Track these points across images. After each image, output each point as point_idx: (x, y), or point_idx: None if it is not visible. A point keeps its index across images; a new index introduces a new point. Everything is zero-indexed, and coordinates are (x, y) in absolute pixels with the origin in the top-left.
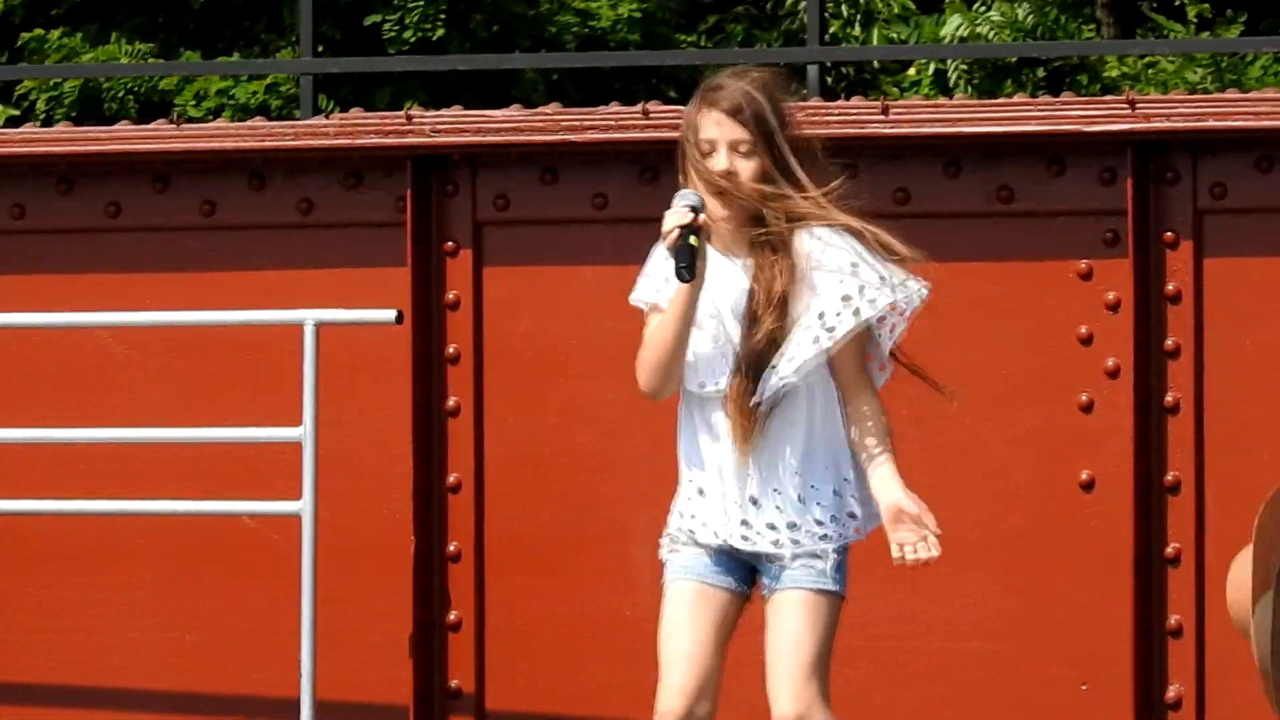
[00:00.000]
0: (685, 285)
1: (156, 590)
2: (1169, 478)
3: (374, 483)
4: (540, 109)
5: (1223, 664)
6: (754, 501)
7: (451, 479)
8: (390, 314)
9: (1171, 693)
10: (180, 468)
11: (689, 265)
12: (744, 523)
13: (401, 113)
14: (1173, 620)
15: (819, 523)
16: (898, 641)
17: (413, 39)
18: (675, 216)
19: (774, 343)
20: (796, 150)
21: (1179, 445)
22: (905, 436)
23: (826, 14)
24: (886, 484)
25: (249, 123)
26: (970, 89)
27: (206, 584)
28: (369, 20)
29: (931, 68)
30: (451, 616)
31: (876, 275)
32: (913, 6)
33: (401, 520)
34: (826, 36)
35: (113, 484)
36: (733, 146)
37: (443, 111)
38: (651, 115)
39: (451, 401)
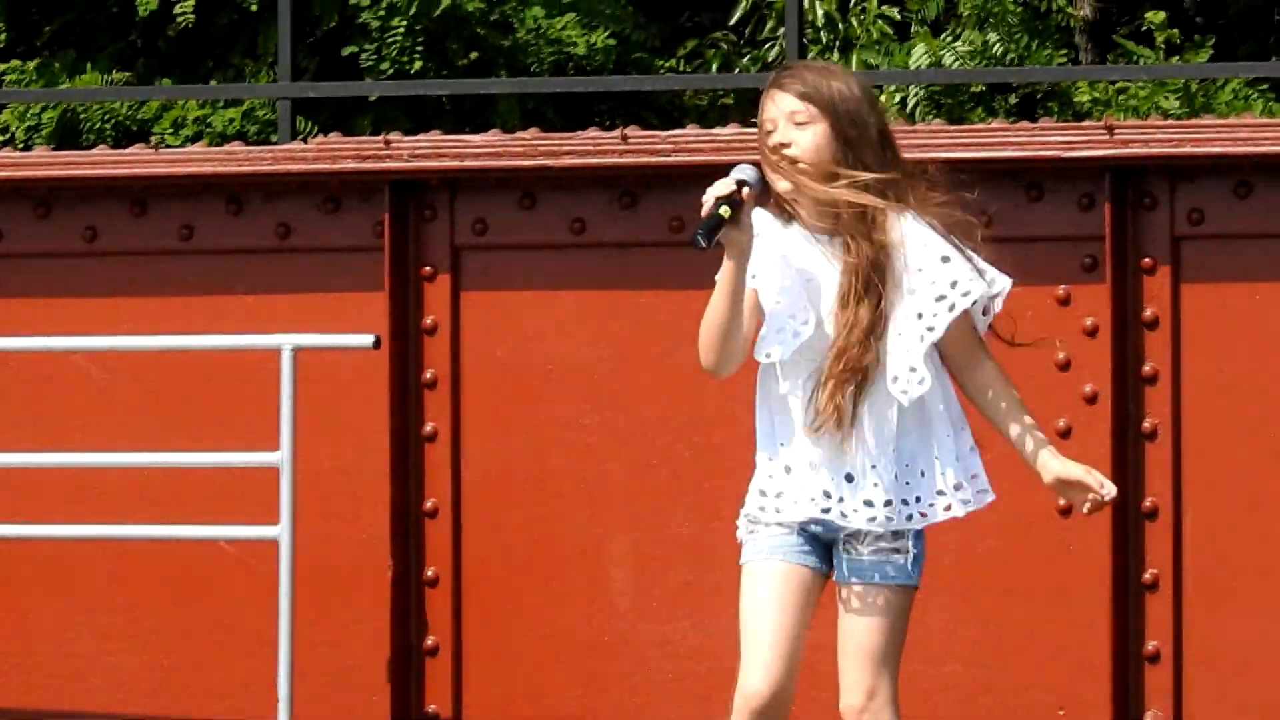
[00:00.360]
0: (729, 262)
1: (134, 615)
2: (1147, 503)
3: (351, 507)
4: (518, 134)
5: (1201, 690)
6: (849, 479)
7: (429, 504)
8: (368, 339)
9: (1149, 718)
10: (158, 492)
11: (706, 233)
12: (841, 499)
13: (379, 137)
14: (1150, 646)
15: (905, 502)
16: None
17: (390, 70)
18: (718, 186)
19: (870, 328)
20: (871, 134)
21: (1157, 471)
22: None
23: (806, 39)
24: (1045, 461)
25: (227, 147)
26: (934, 116)
27: (184, 608)
28: (346, 50)
29: (898, 96)
30: (429, 641)
31: (968, 267)
32: (890, 32)
33: (379, 545)
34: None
35: (91, 508)
36: (790, 118)
37: (420, 136)
38: (630, 140)
39: (429, 426)
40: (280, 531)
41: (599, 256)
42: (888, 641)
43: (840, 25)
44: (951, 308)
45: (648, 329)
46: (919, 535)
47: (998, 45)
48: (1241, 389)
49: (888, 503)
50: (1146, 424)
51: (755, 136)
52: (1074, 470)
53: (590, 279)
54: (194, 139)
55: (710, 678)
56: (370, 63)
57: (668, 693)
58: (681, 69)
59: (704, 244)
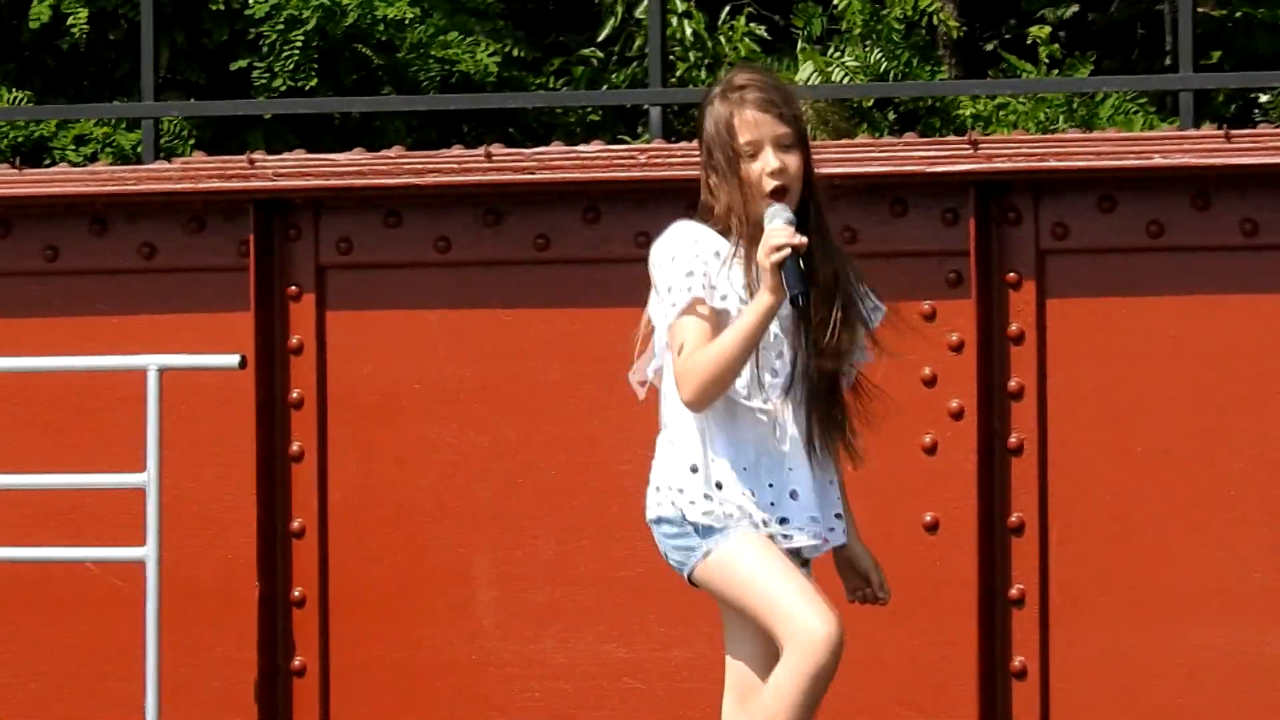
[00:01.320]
0: (768, 303)
1: (1, 636)
2: (1013, 519)
3: (218, 528)
4: (383, 152)
5: (1067, 705)
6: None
7: (295, 524)
8: (234, 359)
9: None
10: (24, 514)
11: (803, 291)
12: (815, 519)
13: (244, 156)
14: (1017, 661)
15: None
16: None
17: (283, 87)
18: (780, 235)
19: (839, 354)
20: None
21: (1023, 486)
22: None
23: (674, 57)
24: (849, 536)
25: (91, 167)
26: (822, 133)
27: (51, 630)
28: (235, 65)
29: None
30: (296, 662)
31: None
32: (758, 49)
33: (246, 565)
34: (673, 79)
35: None
36: (777, 143)
37: (285, 155)
38: (494, 158)
39: (295, 446)
40: (147, 552)
41: (464, 275)
42: None
43: (709, 43)
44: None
45: (513, 348)
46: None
47: (882, 62)
48: (1107, 403)
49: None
50: (1012, 439)
51: (619, 153)
52: (865, 561)
53: (455, 298)
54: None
55: (577, 696)
56: (263, 80)
57: (534, 711)
58: (551, 85)
59: (805, 301)
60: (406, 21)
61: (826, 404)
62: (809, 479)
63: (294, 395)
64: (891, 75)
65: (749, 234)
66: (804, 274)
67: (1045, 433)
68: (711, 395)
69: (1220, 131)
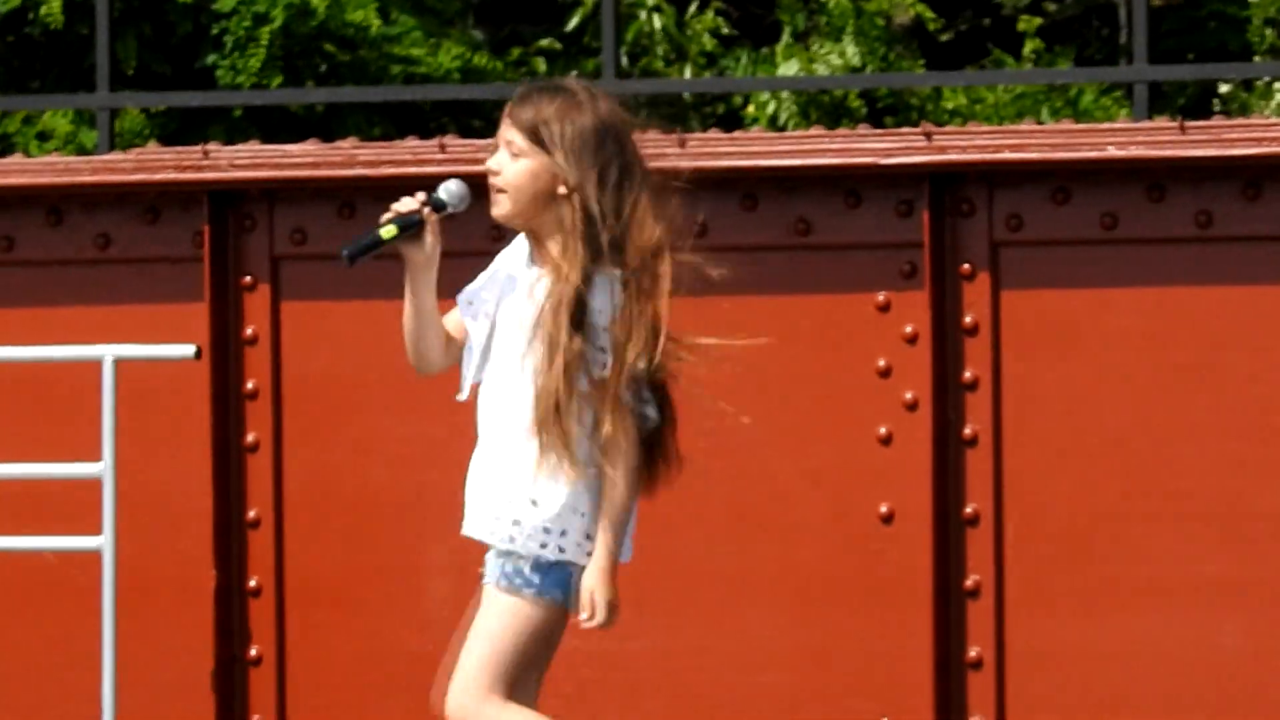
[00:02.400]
0: (408, 278)
1: None
2: (968, 510)
3: (174, 518)
4: (337, 144)
5: (1023, 696)
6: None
7: (251, 514)
8: (189, 349)
9: None
10: None
11: (353, 251)
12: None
13: (198, 147)
14: (972, 652)
15: None
16: (692, 675)
17: (248, 84)
18: (403, 202)
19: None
20: (596, 173)
21: (977, 478)
22: (702, 469)
23: (642, 50)
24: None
25: (46, 158)
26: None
27: (6, 620)
28: (202, 62)
29: (770, 108)
30: (252, 652)
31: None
32: (715, 43)
33: (202, 555)
34: (637, 71)
35: None
36: (506, 145)
37: (239, 146)
38: (448, 149)
39: (250, 437)
40: (103, 542)
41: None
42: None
43: (676, 37)
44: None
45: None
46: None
47: (856, 57)
48: (1061, 395)
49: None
50: (967, 431)
51: None
52: (585, 582)
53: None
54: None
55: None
56: (228, 78)
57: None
58: (509, 76)
59: (348, 261)
60: (372, 30)
61: None
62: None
63: (249, 386)
64: (869, 71)
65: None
66: (372, 244)
67: (1000, 424)
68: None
69: (1175, 123)
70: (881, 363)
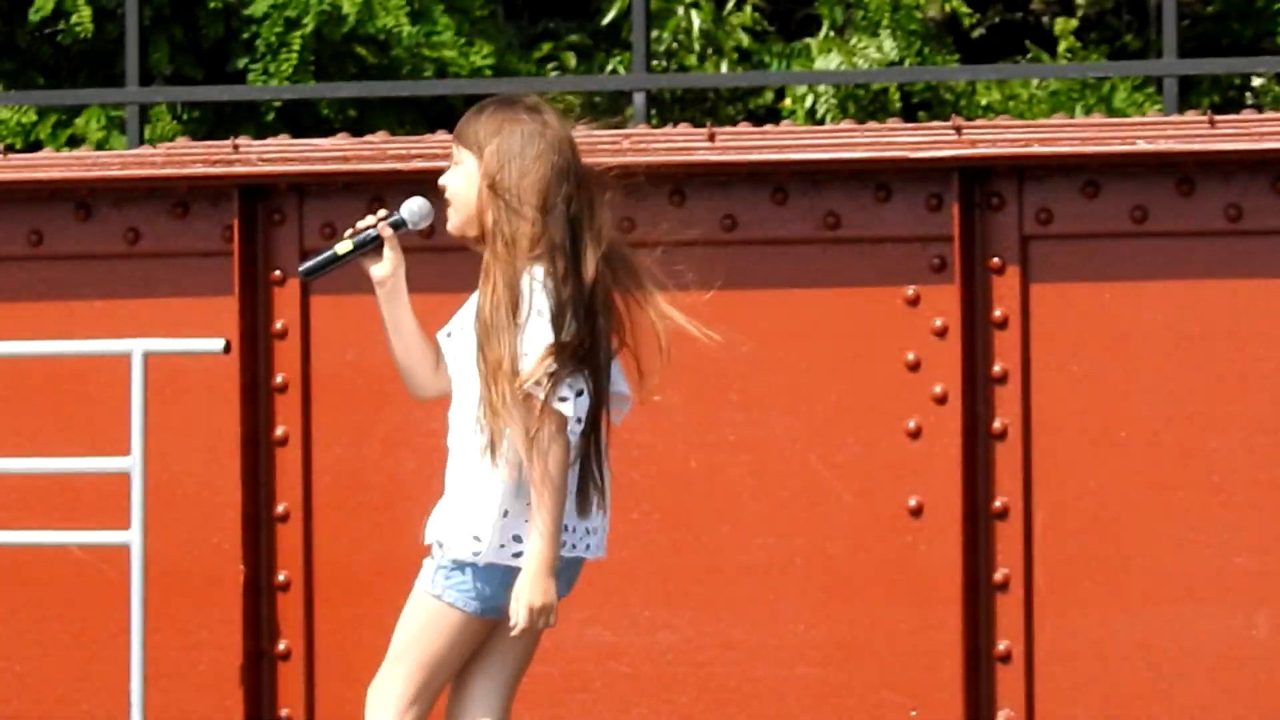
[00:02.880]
0: (379, 298)
1: None
2: (997, 504)
3: (203, 512)
4: (367, 138)
5: (1052, 689)
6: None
7: (280, 508)
8: (218, 343)
9: (1001, 718)
10: (9, 498)
11: (310, 268)
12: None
13: (228, 142)
14: (1001, 646)
15: None
16: (724, 668)
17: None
18: (368, 219)
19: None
20: (516, 187)
21: (1007, 471)
22: (733, 461)
23: (679, 46)
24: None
25: (76, 152)
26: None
27: (35, 614)
28: (233, 66)
29: (809, 101)
30: (281, 646)
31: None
32: (747, 40)
33: (230, 550)
34: (675, 67)
35: None
36: (451, 158)
37: (269, 141)
38: None
39: (279, 431)
40: (132, 537)
41: (447, 260)
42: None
43: (715, 34)
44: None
45: None
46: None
47: (894, 52)
48: (1091, 388)
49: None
50: (996, 424)
51: (602, 139)
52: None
53: (439, 282)
54: None
55: (560, 680)
56: (260, 81)
57: (520, 695)
58: (537, 72)
59: (306, 274)
60: (404, 35)
61: None
62: None
63: (278, 379)
64: (906, 65)
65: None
66: (329, 261)
67: (1029, 418)
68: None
69: (1204, 117)
70: (911, 356)
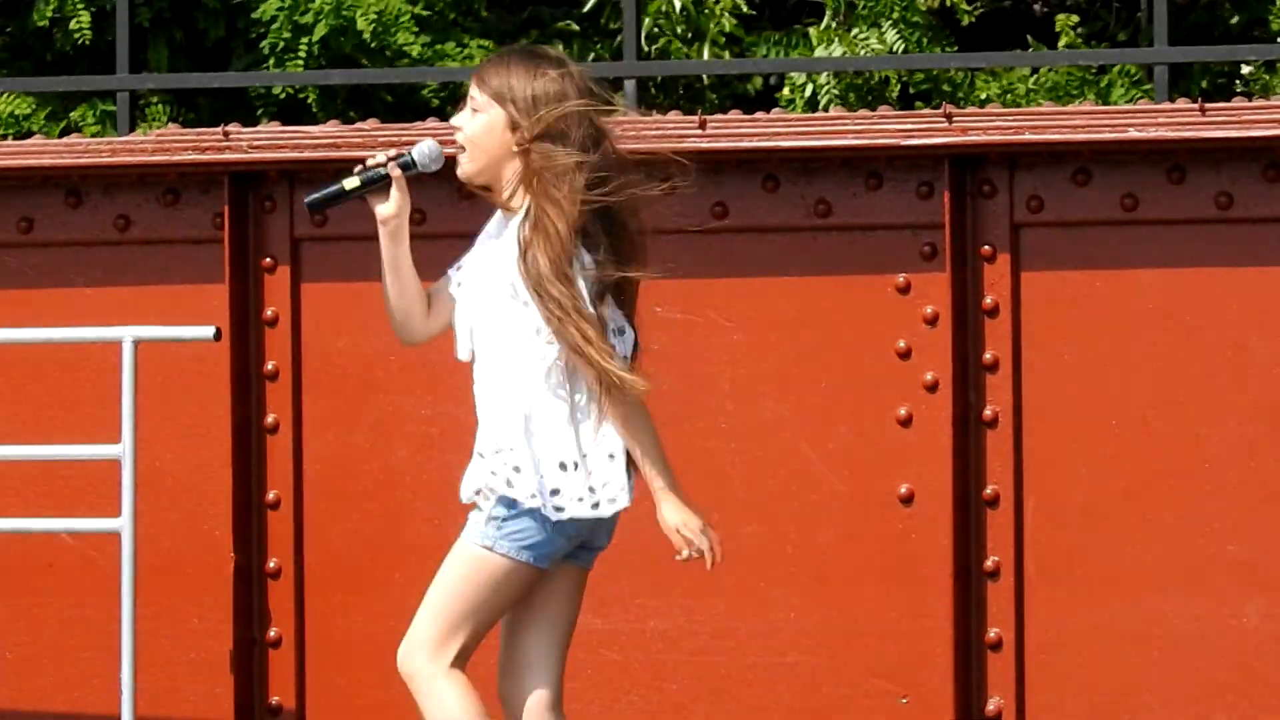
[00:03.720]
0: (382, 239)
1: None
2: (988, 491)
3: (193, 499)
4: (358, 125)
5: (1043, 677)
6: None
7: (271, 495)
8: (209, 330)
9: (991, 706)
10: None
11: (318, 201)
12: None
13: (218, 129)
14: (992, 633)
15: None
16: (714, 656)
17: (282, 95)
18: (377, 155)
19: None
20: (553, 129)
21: (997, 459)
22: (724, 449)
23: (658, 29)
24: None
25: (66, 139)
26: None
27: (26, 601)
28: (234, 68)
29: (809, 90)
30: (272, 633)
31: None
32: (736, 24)
33: (221, 537)
34: (655, 52)
35: None
36: (470, 101)
37: (259, 128)
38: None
39: (270, 418)
40: (122, 524)
41: (439, 247)
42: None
43: (695, 18)
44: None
45: None
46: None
47: (898, 44)
48: (1082, 376)
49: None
50: (987, 412)
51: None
52: (671, 520)
53: (429, 269)
54: None
55: None
56: (261, 88)
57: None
58: None
59: (310, 210)
60: (414, 53)
61: None
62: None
63: (269, 367)
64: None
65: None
66: (336, 195)
67: (1020, 406)
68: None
69: (1195, 105)
70: (901, 344)
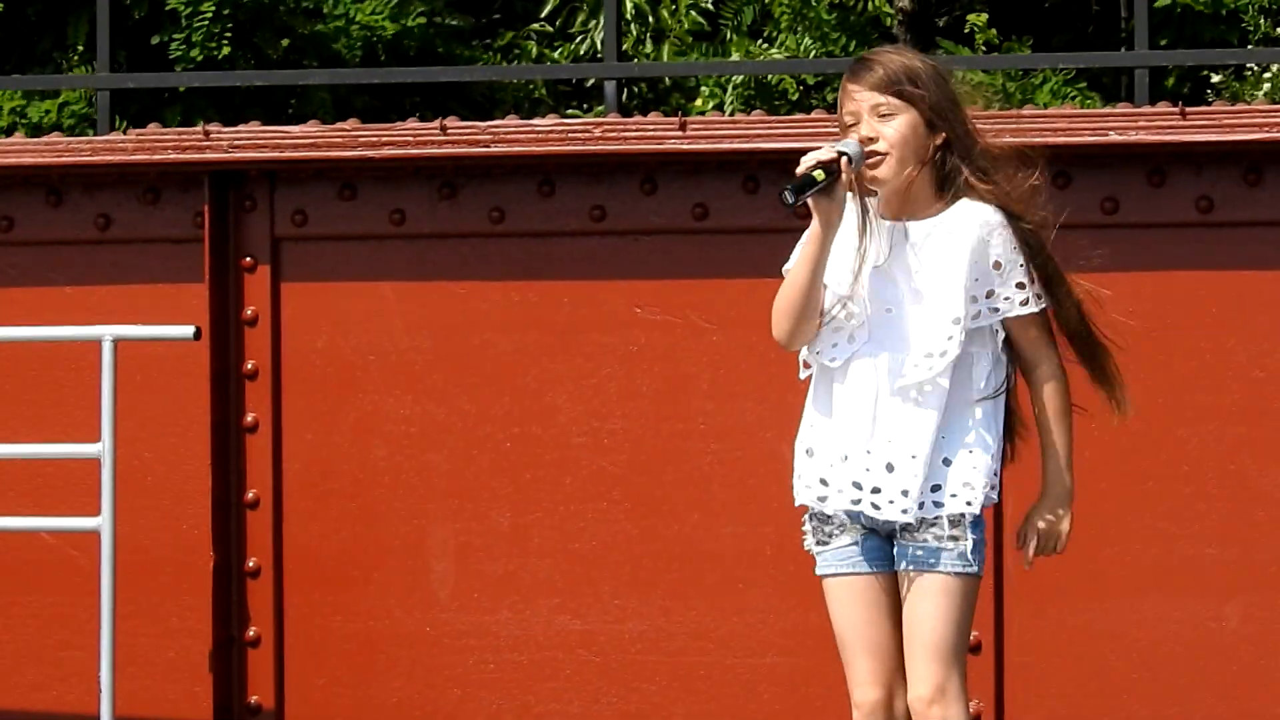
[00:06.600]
0: (816, 231)
1: None
2: None
3: (173, 498)
4: (338, 125)
5: (1021, 680)
6: (890, 468)
7: (250, 495)
8: (188, 330)
9: (970, 708)
10: None
11: (795, 190)
12: (875, 489)
13: (199, 128)
14: (971, 636)
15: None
16: (693, 656)
17: (199, 57)
18: (821, 152)
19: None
20: (955, 117)
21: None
22: (703, 449)
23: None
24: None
25: (47, 138)
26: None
27: (4, 600)
28: (156, 39)
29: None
30: (251, 632)
31: (1013, 282)
32: (703, 23)
33: (200, 536)
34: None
35: None
36: (873, 111)
37: (240, 127)
38: (449, 131)
39: (250, 417)
40: (102, 522)
41: (419, 248)
42: (949, 631)
43: (650, 18)
44: (978, 315)
45: (467, 319)
46: (977, 523)
47: (812, 50)
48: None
49: (904, 492)
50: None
51: (574, 127)
52: (1036, 523)
53: (410, 270)
54: (9, 130)
55: (530, 668)
56: (180, 52)
57: (489, 683)
58: (498, 61)
59: (791, 200)
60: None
61: None
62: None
63: (249, 366)
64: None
65: (860, 203)
66: (811, 184)
67: None
68: (780, 328)
69: (1176, 109)
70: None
